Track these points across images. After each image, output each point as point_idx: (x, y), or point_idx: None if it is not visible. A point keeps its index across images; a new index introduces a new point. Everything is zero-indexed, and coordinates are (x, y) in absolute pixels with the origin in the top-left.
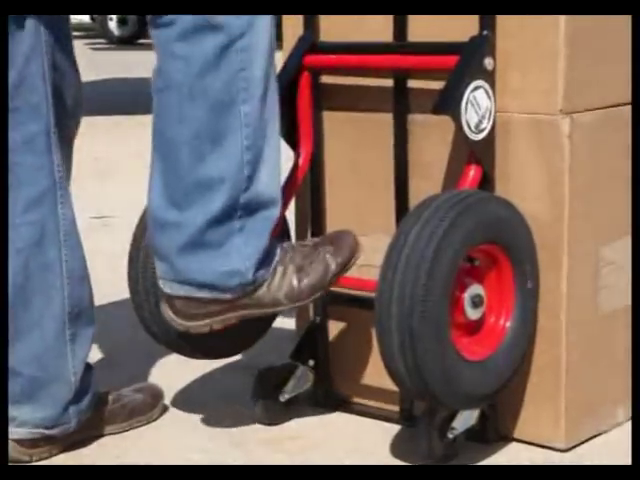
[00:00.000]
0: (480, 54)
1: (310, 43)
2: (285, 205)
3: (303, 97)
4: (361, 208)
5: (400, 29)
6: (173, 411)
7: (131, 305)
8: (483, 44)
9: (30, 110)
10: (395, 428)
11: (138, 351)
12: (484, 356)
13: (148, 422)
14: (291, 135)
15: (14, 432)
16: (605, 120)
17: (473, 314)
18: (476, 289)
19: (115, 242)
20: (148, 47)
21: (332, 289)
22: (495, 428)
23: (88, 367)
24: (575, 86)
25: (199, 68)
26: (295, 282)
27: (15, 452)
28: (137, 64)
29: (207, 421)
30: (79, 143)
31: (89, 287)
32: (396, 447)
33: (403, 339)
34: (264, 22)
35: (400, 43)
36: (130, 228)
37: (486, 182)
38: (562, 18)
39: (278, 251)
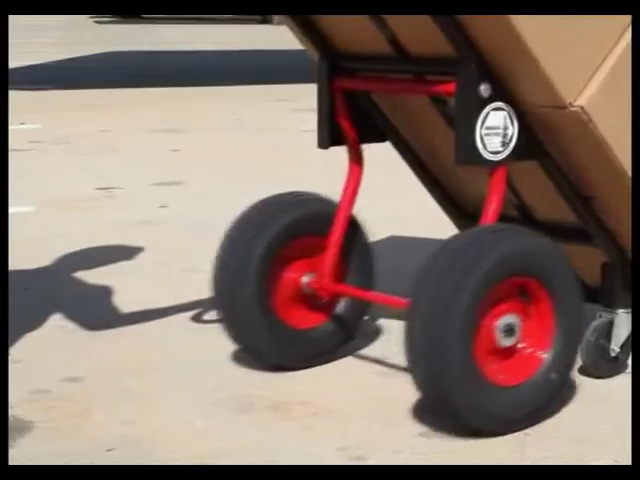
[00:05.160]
0: (474, 85)
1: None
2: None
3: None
4: None
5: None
6: (178, 376)
7: (134, 272)
8: (474, 71)
9: None
10: (401, 392)
11: (146, 316)
12: (517, 382)
13: None
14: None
15: None
16: None
17: (505, 342)
18: (509, 319)
19: (119, 212)
20: (152, 21)
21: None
22: None
23: None
24: None
25: None
26: None
27: None
28: (142, 37)
29: (213, 386)
30: (86, 116)
31: None
32: (404, 411)
33: (425, 352)
34: None
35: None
36: (134, 199)
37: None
38: None
39: None
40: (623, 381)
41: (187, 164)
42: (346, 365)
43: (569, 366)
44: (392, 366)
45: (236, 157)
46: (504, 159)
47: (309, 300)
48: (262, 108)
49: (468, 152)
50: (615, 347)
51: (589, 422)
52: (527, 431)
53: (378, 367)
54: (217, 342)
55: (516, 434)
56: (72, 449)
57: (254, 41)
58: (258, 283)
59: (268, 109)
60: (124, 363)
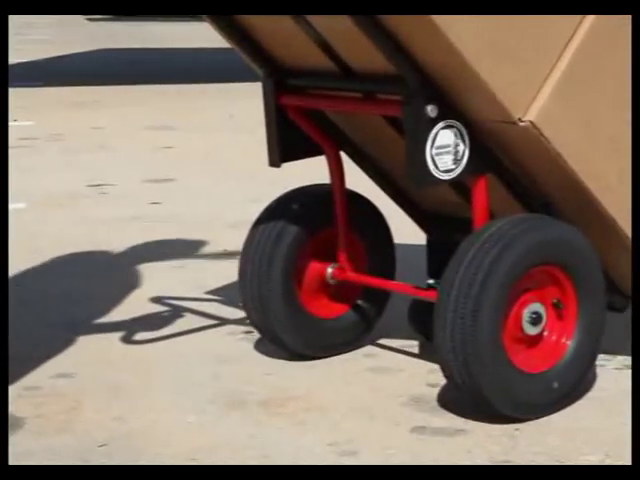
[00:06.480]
0: (420, 106)
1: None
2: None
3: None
4: None
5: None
6: (170, 372)
7: (125, 269)
8: (418, 92)
9: None
10: (393, 388)
11: (137, 313)
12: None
13: None
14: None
15: None
16: None
17: (531, 330)
18: (535, 307)
19: (112, 209)
20: (145, 18)
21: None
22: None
23: None
24: None
25: None
26: None
27: None
28: (135, 35)
29: (205, 382)
30: (78, 113)
31: None
32: (396, 406)
33: (454, 346)
34: None
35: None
36: (126, 197)
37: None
38: None
39: None
40: (613, 376)
41: (180, 161)
42: (338, 360)
43: (592, 355)
44: (385, 362)
45: (229, 154)
46: (457, 176)
47: (333, 290)
48: (255, 105)
49: (420, 173)
50: None
51: (579, 417)
52: (518, 426)
53: (371, 363)
54: (209, 338)
55: (507, 430)
56: (63, 445)
57: None
58: (284, 274)
59: (261, 106)
60: (115, 359)
